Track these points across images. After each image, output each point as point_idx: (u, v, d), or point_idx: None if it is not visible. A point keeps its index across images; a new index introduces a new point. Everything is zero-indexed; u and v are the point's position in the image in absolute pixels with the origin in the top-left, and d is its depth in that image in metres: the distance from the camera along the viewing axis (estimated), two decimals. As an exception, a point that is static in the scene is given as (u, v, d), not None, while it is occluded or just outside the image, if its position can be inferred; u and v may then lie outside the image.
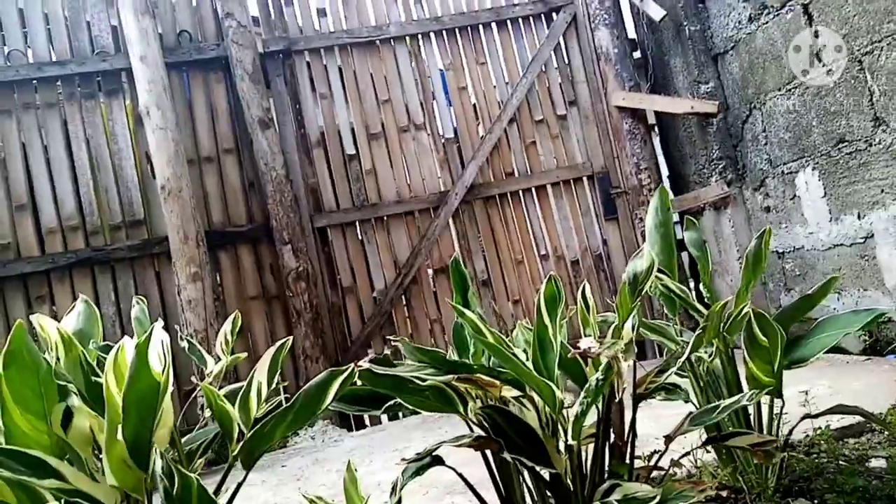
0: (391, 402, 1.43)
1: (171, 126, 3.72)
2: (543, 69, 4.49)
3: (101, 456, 1.05)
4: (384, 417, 3.87)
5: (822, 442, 1.93)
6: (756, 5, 3.61)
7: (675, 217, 4.03)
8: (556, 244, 4.38)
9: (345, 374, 1.20)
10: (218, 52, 4.06)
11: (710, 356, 1.73)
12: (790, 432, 1.67)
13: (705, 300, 1.87)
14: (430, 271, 4.28)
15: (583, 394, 1.24)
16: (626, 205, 4.41)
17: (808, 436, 2.00)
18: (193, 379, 3.29)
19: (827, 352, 1.64)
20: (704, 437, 1.63)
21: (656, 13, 4.10)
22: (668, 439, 1.44)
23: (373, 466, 2.75)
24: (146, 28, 3.77)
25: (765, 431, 1.67)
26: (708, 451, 1.82)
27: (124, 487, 1.05)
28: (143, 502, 1.06)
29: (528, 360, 1.33)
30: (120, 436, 1.02)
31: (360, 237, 4.23)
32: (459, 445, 1.32)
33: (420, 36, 4.42)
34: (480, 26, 4.48)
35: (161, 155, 3.68)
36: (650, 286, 1.70)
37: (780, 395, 1.58)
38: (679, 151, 4.45)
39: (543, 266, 4.34)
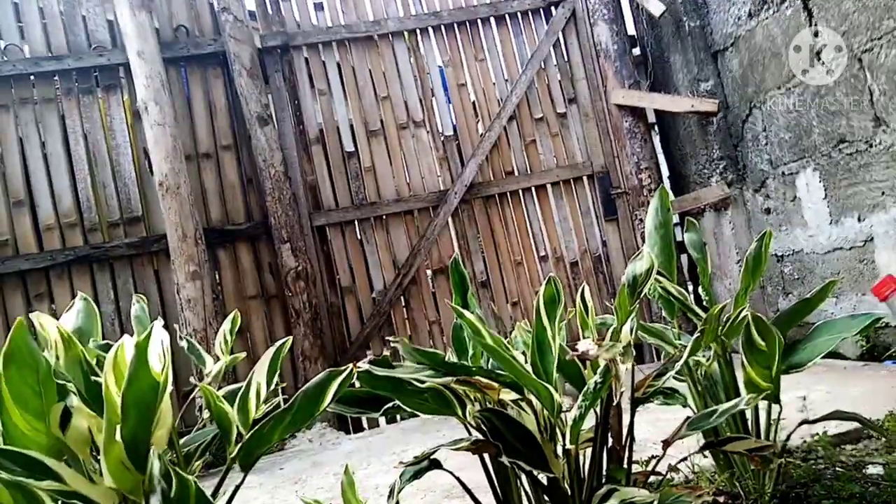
0: (390, 405, 1.42)
1: (170, 122, 3.70)
2: (543, 66, 4.47)
3: (98, 457, 1.05)
4: (382, 420, 3.87)
5: (820, 448, 1.93)
6: (756, 0, 3.59)
7: (675, 218, 4.02)
8: (556, 245, 4.37)
9: (343, 375, 1.19)
10: (215, 47, 4.04)
11: (707, 360, 1.73)
12: (788, 438, 1.66)
13: (704, 303, 1.87)
14: (428, 272, 4.27)
15: (581, 397, 1.24)
16: (626, 205, 4.40)
17: (805, 441, 2.00)
18: (192, 379, 3.29)
19: (825, 357, 1.63)
20: (702, 441, 1.63)
21: (656, 8, 4.08)
22: (666, 444, 1.44)
23: (370, 470, 2.75)
24: (143, 22, 3.75)
25: (762, 437, 1.67)
26: (705, 456, 1.82)
27: (122, 489, 1.04)
28: (140, 505, 1.06)
29: (526, 362, 1.33)
30: (118, 436, 1.01)
31: (359, 236, 4.21)
32: (457, 449, 1.31)
33: (418, 31, 4.40)
34: (479, 21, 4.46)
35: (159, 151, 3.65)
36: (649, 288, 1.70)
37: (778, 401, 1.57)
38: (679, 151, 4.43)
39: (543, 267, 4.33)
